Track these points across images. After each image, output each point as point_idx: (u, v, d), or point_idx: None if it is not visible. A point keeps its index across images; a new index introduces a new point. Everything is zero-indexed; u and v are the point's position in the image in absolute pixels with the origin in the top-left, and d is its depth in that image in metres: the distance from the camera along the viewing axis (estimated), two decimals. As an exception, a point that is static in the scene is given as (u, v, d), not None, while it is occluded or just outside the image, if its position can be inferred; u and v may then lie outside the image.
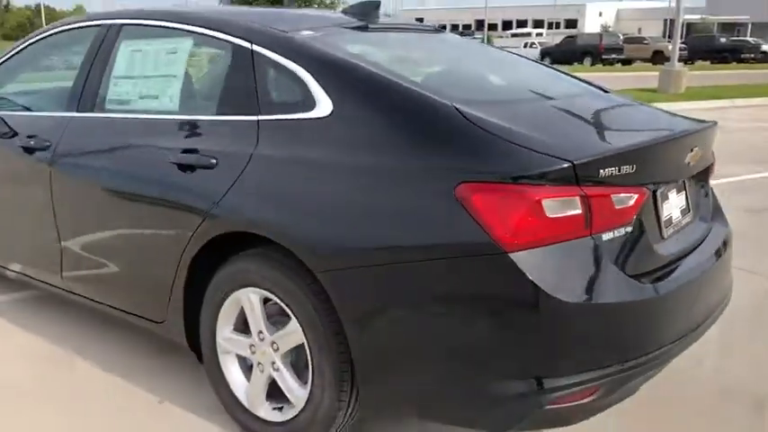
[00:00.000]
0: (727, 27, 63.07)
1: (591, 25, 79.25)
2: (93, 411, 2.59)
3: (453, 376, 1.93)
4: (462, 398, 1.94)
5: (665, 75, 16.55)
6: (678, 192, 2.33)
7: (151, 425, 2.50)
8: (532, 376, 1.83)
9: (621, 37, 42.54)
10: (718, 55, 39.79)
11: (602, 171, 1.88)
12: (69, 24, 3.15)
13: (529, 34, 59.79)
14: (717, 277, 2.37)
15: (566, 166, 1.82)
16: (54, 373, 2.89)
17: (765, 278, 3.95)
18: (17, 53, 3.33)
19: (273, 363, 2.26)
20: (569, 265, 1.85)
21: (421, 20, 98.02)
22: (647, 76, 20.57)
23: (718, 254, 2.40)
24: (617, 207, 1.92)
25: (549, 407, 1.86)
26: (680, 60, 37.70)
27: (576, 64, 37.56)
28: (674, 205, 2.28)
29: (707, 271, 2.28)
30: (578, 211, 1.84)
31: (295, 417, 2.24)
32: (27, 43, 3.29)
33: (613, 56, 37.52)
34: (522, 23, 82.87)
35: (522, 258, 1.78)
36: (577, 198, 1.84)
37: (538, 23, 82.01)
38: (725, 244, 2.50)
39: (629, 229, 1.98)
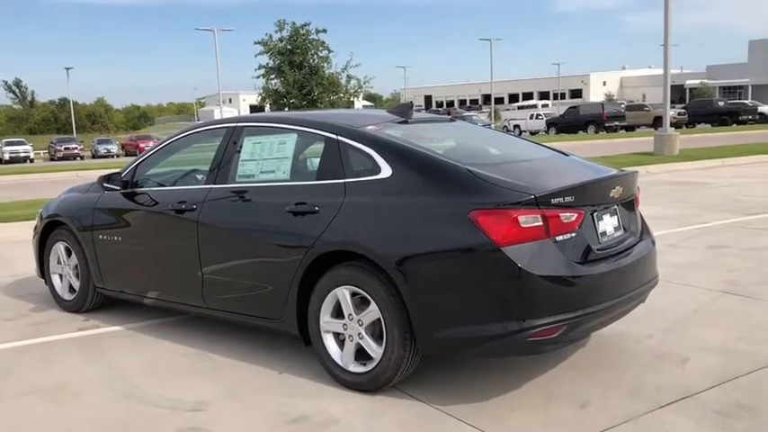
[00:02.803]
0: (729, 90, 65.20)
1: (595, 94, 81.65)
2: (229, 380, 3.88)
3: (473, 325, 3.23)
4: (480, 338, 3.24)
5: (659, 139, 18.08)
6: (611, 215, 3.69)
7: (277, 386, 3.77)
8: (519, 319, 3.14)
9: (623, 105, 44.10)
10: (719, 118, 41.11)
11: (553, 200, 3.25)
12: (202, 127, 4.65)
13: (535, 106, 61.93)
14: (641, 269, 3.70)
15: (531, 197, 3.19)
16: (196, 360, 4.21)
17: (702, 290, 5.26)
18: (160, 148, 4.81)
19: (359, 333, 3.57)
20: (537, 254, 3.18)
21: (429, 97, 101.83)
22: (645, 141, 22.16)
23: (642, 254, 3.74)
24: (564, 221, 3.28)
25: (530, 339, 3.16)
26: (680, 125, 38.85)
27: (580, 132, 38.96)
28: (607, 223, 3.63)
29: (632, 264, 3.61)
30: (540, 223, 3.20)
31: (374, 367, 3.52)
32: (169, 141, 4.77)
33: (616, 123, 38.84)
34: (528, 96, 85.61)
35: (509, 250, 3.13)
36: (539, 215, 3.20)
37: (543, 95, 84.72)
38: (648, 249, 3.84)
39: (574, 234, 3.32)
